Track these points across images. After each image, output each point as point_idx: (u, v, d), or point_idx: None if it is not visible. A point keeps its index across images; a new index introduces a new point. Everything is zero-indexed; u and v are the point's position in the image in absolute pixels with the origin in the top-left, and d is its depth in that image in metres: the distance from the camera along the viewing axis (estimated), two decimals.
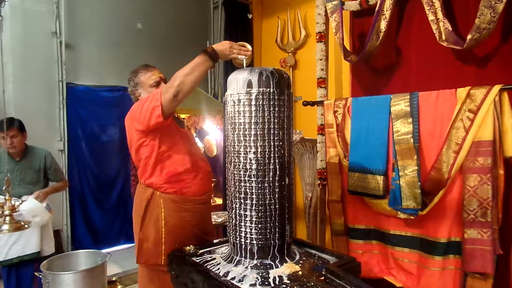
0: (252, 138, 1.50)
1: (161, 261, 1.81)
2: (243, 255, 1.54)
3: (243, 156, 1.52)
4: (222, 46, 1.72)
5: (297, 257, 1.63)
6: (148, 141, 1.79)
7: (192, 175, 1.87)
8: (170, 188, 1.84)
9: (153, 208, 1.84)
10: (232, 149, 1.56)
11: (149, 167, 1.83)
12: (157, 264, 1.83)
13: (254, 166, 1.51)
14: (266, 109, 1.50)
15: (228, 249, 1.69)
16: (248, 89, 1.50)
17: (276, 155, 1.52)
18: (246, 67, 1.70)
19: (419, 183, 2.02)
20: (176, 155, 1.84)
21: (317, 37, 2.69)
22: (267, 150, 1.51)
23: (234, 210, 1.57)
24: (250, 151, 1.51)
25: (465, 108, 1.90)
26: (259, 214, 1.51)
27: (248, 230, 1.53)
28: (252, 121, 1.50)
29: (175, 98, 1.65)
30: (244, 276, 1.44)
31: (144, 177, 1.87)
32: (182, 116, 3.75)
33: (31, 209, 2.56)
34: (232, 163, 1.57)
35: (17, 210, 1.85)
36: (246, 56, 1.73)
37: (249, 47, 1.77)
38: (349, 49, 2.64)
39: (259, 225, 1.51)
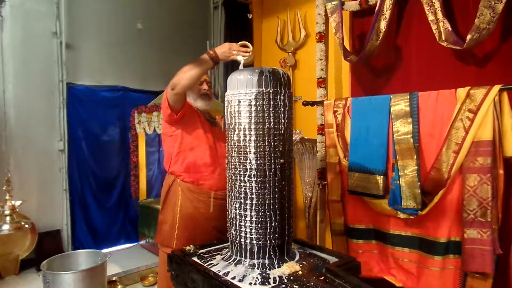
0: (252, 138, 1.50)
1: (173, 244, 1.98)
2: (243, 255, 1.55)
3: (243, 156, 1.52)
4: (222, 48, 1.82)
5: (297, 257, 1.63)
6: (172, 132, 2.01)
7: (210, 169, 2.02)
8: (188, 178, 2.01)
9: (172, 194, 2.04)
10: (232, 149, 1.57)
11: (172, 156, 2.03)
12: (170, 247, 1.97)
13: (254, 166, 1.51)
14: (266, 109, 1.50)
15: (228, 249, 1.69)
16: (248, 89, 1.50)
17: (276, 155, 1.52)
18: (246, 66, 1.72)
19: (419, 183, 2.02)
20: (197, 149, 2.01)
21: (317, 37, 2.69)
22: (267, 150, 1.51)
23: (234, 210, 1.58)
24: (250, 151, 1.51)
25: (465, 108, 1.90)
26: (259, 214, 1.51)
27: (248, 230, 1.53)
28: (252, 121, 1.50)
29: (172, 91, 1.86)
30: (244, 276, 1.45)
31: (168, 165, 2.07)
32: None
33: None
34: (232, 163, 1.57)
35: (17, 210, 1.85)
36: (245, 56, 1.77)
37: (250, 47, 1.82)
38: (349, 49, 2.64)
39: (259, 225, 1.51)
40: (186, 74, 1.82)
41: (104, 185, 4.19)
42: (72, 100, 3.89)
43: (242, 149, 1.52)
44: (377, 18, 2.26)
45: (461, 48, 1.98)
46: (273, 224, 1.53)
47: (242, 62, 1.75)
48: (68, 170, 3.81)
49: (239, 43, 1.83)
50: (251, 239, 1.52)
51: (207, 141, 2.04)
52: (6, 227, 1.78)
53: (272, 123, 1.51)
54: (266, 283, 1.40)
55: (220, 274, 1.47)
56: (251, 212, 1.52)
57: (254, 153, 1.50)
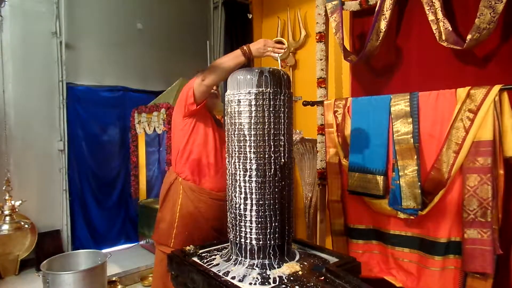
0: (252, 138, 1.50)
1: (170, 243, 1.97)
2: (243, 255, 1.55)
3: (243, 156, 1.52)
4: (256, 44, 1.82)
5: (297, 257, 1.63)
6: (183, 126, 2.00)
7: (213, 170, 2.03)
8: (190, 176, 2.01)
9: (173, 193, 2.04)
10: (232, 149, 1.56)
11: (179, 150, 2.03)
12: (167, 246, 1.96)
13: (254, 166, 1.51)
14: (266, 109, 1.50)
15: (228, 249, 1.69)
16: (248, 89, 1.50)
17: (276, 155, 1.52)
18: (280, 63, 1.76)
19: (419, 183, 2.02)
20: (203, 149, 2.02)
21: (317, 37, 2.69)
22: (267, 150, 1.51)
23: (234, 211, 1.57)
24: (250, 151, 1.51)
25: (465, 108, 1.90)
26: (259, 214, 1.51)
27: (248, 230, 1.53)
28: (252, 121, 1.50)
29: (202, 82, 1.85)
30: (244, 276, 1.44)
31: (173, 162, 2.08)
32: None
33: None
34: (232, 164, 1.57)
35: (17, 210, 1.85)
36: (280, 53, 1.78)
37: (285, 43, 1.84)
38: (349, 49, 2.64)
39: (259, 225, 1.51)
40: (218, 68, 1.82)
41: (104, 185, 4.18)
42: (72, 100, 3.88)
43: (242, 149, 1.52)
44: (377, 18, 2.26)
45: (461, 48, 1.98)
46: (273, 224, 1.53)
47: (279, 59, 1.75)
48: (68, 170, 3.80)
49: (274, 39, 1.83)
50: (251, 239, 1.52)
51: (214, 141, 2.05)
52: (5, 227, 1.77)
53: (272, 123, 1.51)
54: (266, 283, 1.40)
55: (220, 274, 1.47)
56: (251, 213, 1.52)
57: (254, 153, 1.50)
